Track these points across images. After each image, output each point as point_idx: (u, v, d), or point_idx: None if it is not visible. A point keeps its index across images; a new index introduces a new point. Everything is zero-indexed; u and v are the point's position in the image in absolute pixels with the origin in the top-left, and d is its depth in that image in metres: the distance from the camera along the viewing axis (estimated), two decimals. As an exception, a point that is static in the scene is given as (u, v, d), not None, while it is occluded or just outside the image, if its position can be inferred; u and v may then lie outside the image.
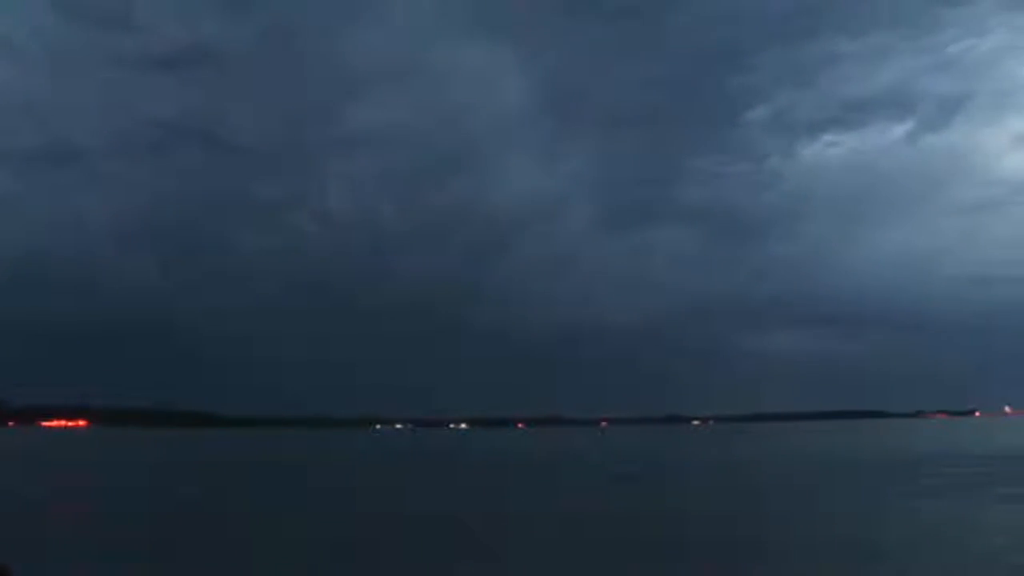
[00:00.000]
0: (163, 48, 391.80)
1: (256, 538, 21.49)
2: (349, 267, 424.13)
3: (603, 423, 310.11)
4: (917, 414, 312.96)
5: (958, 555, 17.59)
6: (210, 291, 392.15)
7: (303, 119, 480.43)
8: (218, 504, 30.97)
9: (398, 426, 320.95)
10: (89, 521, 25.73)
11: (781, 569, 16.62)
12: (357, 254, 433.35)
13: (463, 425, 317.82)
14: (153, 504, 30.66)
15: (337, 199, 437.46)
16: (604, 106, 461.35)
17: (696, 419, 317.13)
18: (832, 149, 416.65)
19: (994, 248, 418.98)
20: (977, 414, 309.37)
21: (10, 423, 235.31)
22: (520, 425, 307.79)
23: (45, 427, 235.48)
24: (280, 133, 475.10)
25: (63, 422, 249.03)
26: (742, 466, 54.42)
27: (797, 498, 30.98)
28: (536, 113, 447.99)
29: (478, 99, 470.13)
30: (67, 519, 26.14)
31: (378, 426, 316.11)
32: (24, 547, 18.95)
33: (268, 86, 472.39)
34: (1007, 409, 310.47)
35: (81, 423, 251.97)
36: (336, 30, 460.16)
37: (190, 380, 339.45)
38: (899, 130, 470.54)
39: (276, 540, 20.96)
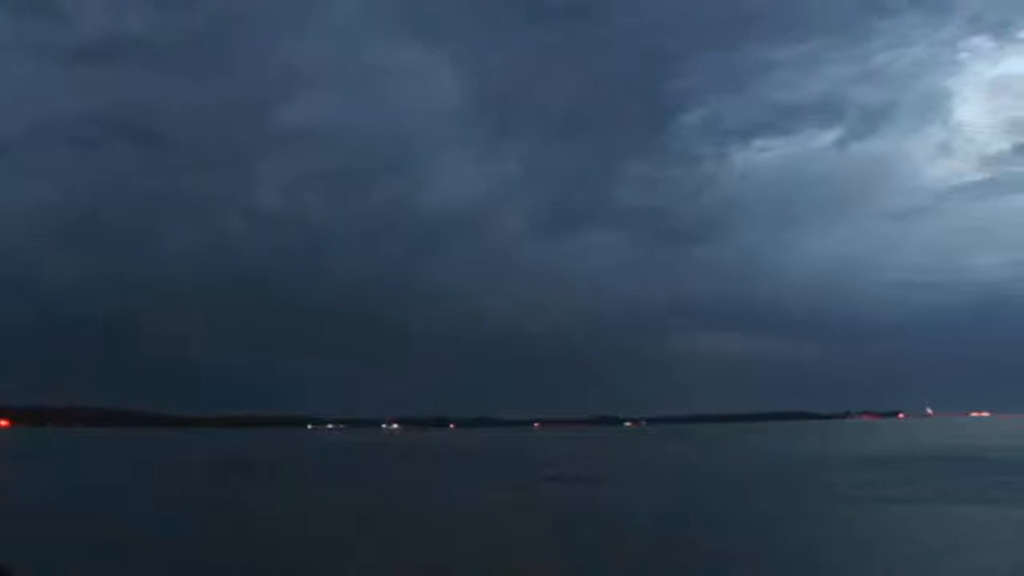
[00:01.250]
0: (91, 38, 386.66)
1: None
2: (281, 266, 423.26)
3: (536, 424, 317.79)
4: (845, 415, 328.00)
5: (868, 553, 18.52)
6: (138, 289, 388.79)
7: (236, 115, 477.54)
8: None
9: (330, 426, 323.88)
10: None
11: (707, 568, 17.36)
12: (289, 253, 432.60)
13: (395, 426, 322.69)
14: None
15: (270, 197, 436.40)
16: (540, 109, 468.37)
17: (629, 420, 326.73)
18: (764, 154, 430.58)
19: (917, 254, 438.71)
20: (901, 415, 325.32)
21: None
22: (453, 426, 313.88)
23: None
24: (212, 129, 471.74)
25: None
26: (673, 466, 58.87)
27: (729, 498, 32.14)
28: (472, 114, 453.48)
29: (414, 99, 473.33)
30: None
31: (310, 426, 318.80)
32: None
33: (200, 80, 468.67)
34: (928, 411, 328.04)
35: (2, 423, 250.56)
36: (273, 26, 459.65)
37: (116, 378, 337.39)
38: (828, 137, 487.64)
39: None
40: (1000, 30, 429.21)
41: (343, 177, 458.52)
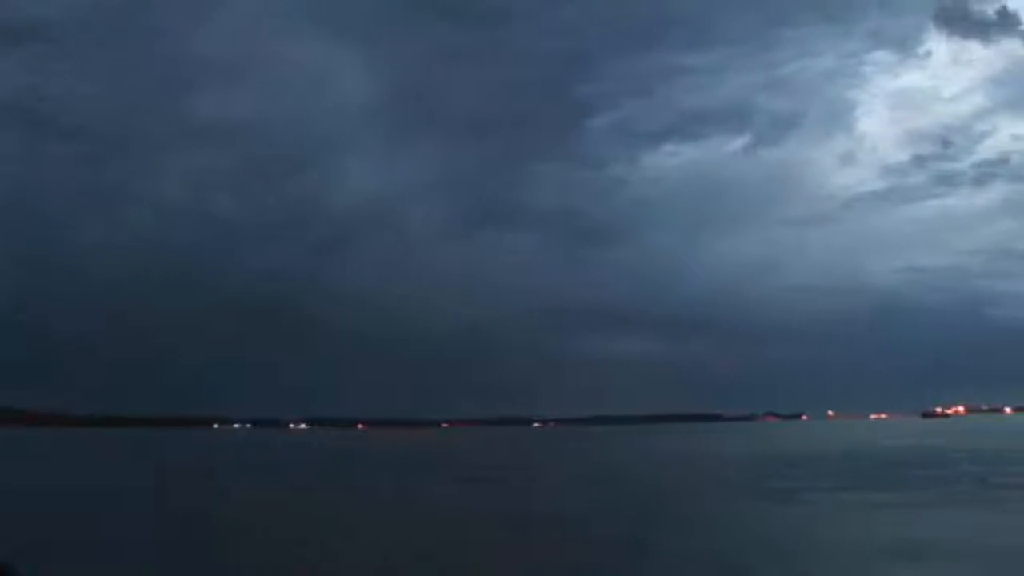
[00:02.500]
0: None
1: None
2: (188, 262, 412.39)
3: (446, 424, 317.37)
4: (750, 417, 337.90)
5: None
6: (35, 283, 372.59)
7: (144, 106, 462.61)
8: None
9: (236, 426, 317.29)
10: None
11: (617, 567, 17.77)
12: (197, 249, 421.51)
13: (303, 425, 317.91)
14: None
15: (176, 191, 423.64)
16: (452, 108, 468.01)
17: (537, 421, 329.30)
18: (673, 159, 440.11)
19: (821, 260, 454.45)
20: (804, 418, 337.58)
21: None
22: (361, 426, 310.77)
23: None
24: (119, 120, 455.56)
25: None
26: (578, 466, 60.03)
27: (633, 496, 33.29)
28: (383, 112, 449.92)
29: (325, 95, 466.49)
30: None
31: (216, 425, 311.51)
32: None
33: (107, 69, 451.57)
34: (830, 413, 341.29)
35: None
36: (182, 17, 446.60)
37: (7, 376, 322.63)
38: (737, 143, 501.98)
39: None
40: (901, 45, 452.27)
41: (252, 171, 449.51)
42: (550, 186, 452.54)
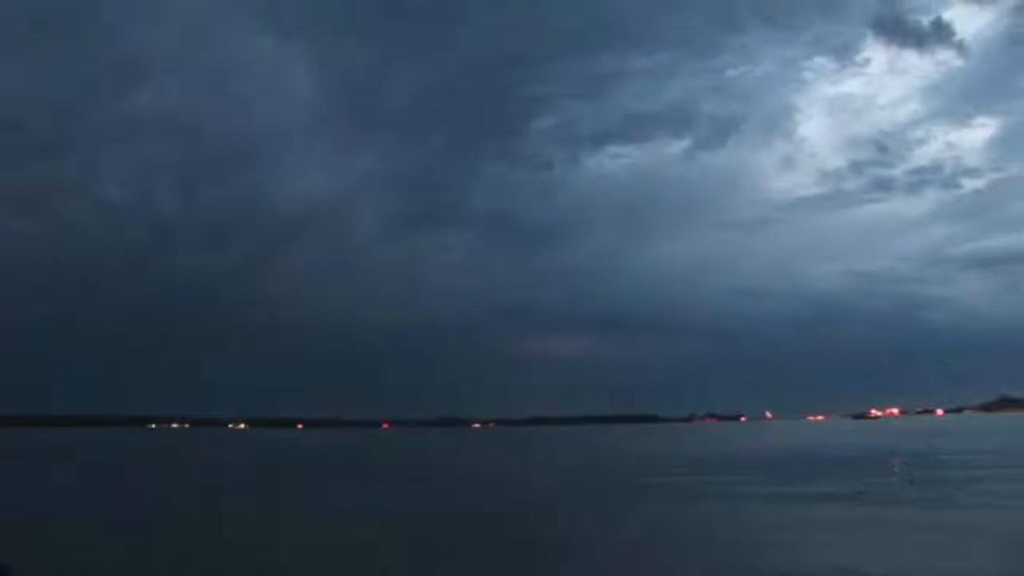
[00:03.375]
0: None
1: None
2: (126, 260, 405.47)
3: (385, 425, 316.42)
4: (689, 418, 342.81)
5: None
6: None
7: (81, 100, 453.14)
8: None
9: (174, 425, 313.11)
10: None
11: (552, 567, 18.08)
12: (134, 247, 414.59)
13: (242, 425, 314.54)
14: None
15: (115, 188, 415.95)
16: (395, 106, 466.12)
17: (477, 422, 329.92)
18: (615, 161, 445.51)
19: (760, 263, 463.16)
20: (743, 419, 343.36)
21: None
22: (300, 426, 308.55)
23: None
24: (54, 113, 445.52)
25: None
26: (513, 466, 60.25)
27: (565, 496, 33.98)
28: (327, 111, 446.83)
29: (267, 92, 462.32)
30: None
31: (152, 425, 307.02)
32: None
33: (43, 61, 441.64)
34: (768, 414, 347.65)
35: None
36: (123, 10, 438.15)
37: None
38: (678, 146, 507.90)
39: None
40: (841, 52, 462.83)
41: (190, 168, 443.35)
42: (491, 186, 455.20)
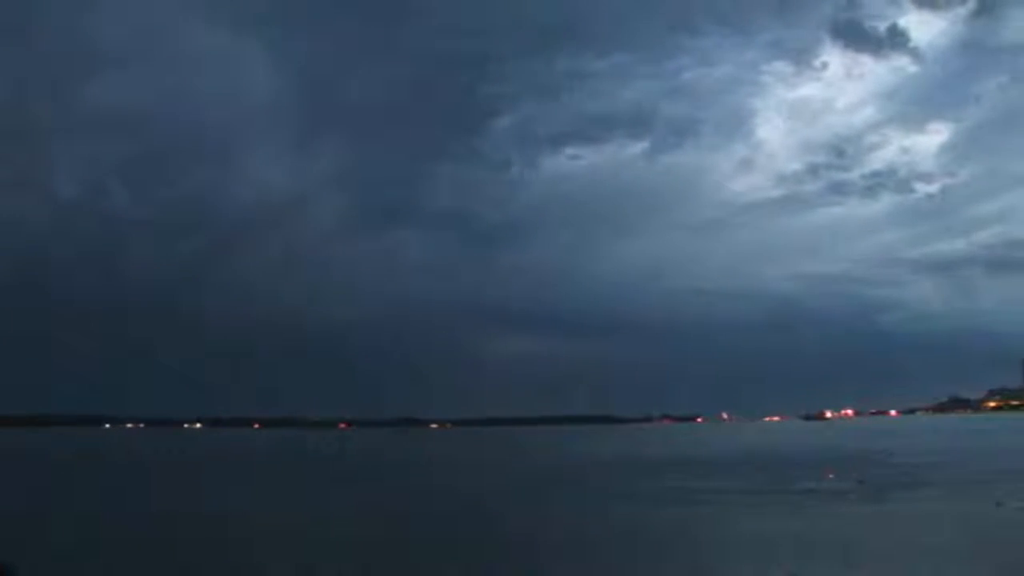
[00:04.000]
0: None
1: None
2: (79, 256, 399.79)
3: (342, 425, 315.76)
4: (646, 419, 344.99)
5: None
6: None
7: (31, 92, 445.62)
8: None
9: (129, 425, 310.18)
10: None
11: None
12: (87, 243, 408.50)
13: (198, 425, 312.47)
14: None
15: (64, 183, 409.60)
16: (354, 104, 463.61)
17: (435, 422, 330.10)
18: (573, 162, 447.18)
19: (717, 265, 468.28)
20: (699, 420, 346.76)
21: None
22: (257, 426, 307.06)
23: None
24: (5, 108, 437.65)
25: None
26: (474, 467, 62.07)
27: (524, 498, 35.24)
28: (284, 107, 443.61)
29: (224, 88, 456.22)
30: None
31: (107, 425, 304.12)
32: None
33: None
34: (724, 415, 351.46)
35: None
36: (73, 3, 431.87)
37: None
38: (637, 148, 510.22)
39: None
40: (799, 56, 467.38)
41: (145, 164, 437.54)
42: (449, 186, 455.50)
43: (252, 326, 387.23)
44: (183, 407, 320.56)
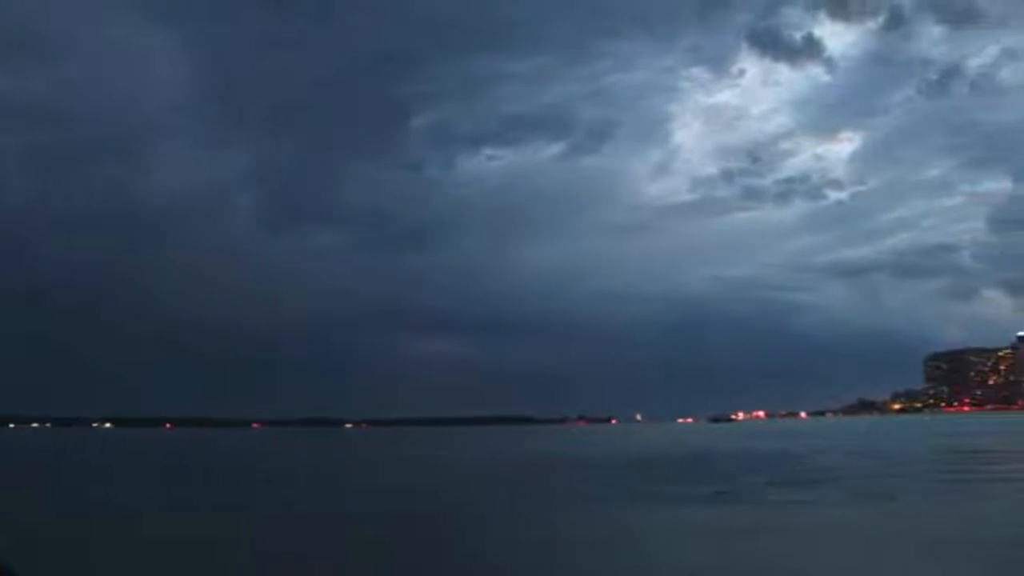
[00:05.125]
0: None
1: None
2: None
3: (255, 425, 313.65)
4: (561, 420, 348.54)
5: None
6: None
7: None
8: None
9: (35, 425, 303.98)
10: None
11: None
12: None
13: (107, 424, 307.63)
14: None
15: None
16: (271, 101, 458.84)
17: (350, 422, 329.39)
18: (491, 163, 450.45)
19: (633, 268, 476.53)
20: (614, 421, 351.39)
21: None
22: (168, 426, 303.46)
23: None
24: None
25: None
26: (388, 468, 60.47)
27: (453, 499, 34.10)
28: (200, 102, 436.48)
29: (140, 81, 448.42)
30: None
31: (11, 425, 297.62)
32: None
33: None
34: (638, 417, 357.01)
35: None
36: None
37: None
38: (554, 150, 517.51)
39: None
40: (716, 63, 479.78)
41: (52, 158, 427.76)
42: (366, 185, 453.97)
43: (165, 325, 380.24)
44: (92, 406, 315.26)
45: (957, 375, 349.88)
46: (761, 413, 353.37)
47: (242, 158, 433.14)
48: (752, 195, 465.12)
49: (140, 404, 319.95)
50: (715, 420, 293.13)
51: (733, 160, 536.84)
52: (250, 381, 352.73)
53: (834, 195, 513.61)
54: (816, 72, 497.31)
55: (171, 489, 40.57)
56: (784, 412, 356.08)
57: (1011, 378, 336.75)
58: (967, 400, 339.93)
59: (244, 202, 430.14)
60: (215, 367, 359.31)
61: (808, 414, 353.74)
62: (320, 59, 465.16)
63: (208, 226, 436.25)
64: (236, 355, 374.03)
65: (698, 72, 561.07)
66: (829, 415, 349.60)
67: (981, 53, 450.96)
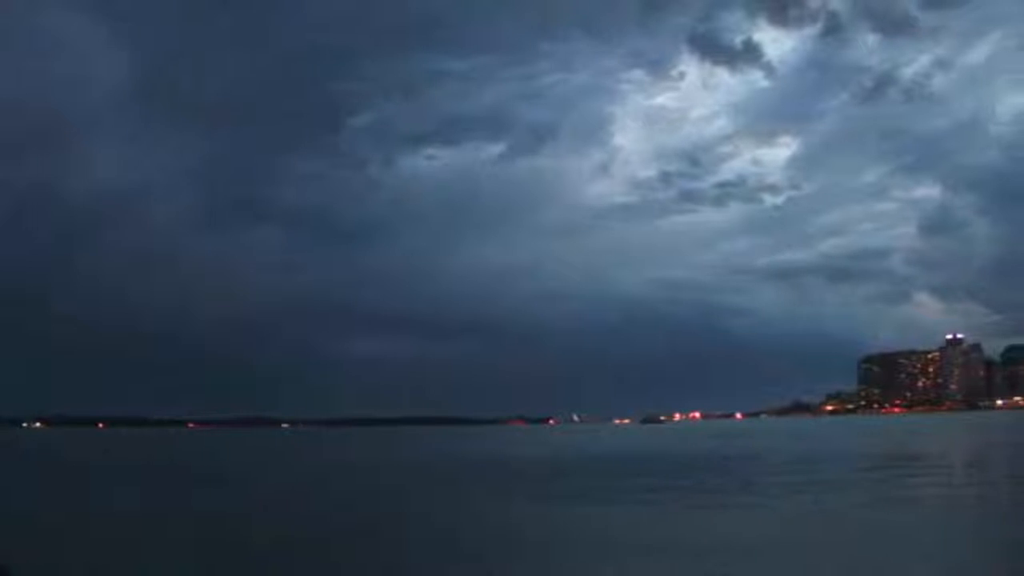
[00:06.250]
0: None
1: None
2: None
3: (191, 424, 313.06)
4: (497, 421, 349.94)
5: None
6: None
7: None
8: None
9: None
10: None
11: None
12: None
13: (37, 424, 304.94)
14: None
15: None
16: (207, 97, 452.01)
17: (286, 422, 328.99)
18: (431, 162, 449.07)
19: (571, 268, 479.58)
20: (551, 422, 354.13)
21: None
22: (101, 425, 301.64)
23: None
24: None
25: None
26: (330, 468, 63.01)
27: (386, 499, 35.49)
28: (132, 97, 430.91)
29: (71, 73, 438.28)
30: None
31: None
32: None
33: None
34: (575, 417, 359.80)
35: None
36: None
37: None
38: (494, 150, 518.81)
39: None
40: (656, 66, 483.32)
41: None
42: (304, 183, 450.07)
43: (96, 323, 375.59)
44: (23, 405, 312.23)
45: (889, 377, 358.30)
46: (697, 414, 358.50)
47: (177, 155, 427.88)
48: (690, 198, 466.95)
49: (73, 404, 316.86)
50: (645, 421, 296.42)
51: (672, 163, 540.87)
52: (186, 381, 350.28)
53: (770, 199, 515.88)
54: (755, 77, 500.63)
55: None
56: (720, 413, 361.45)
57: (939, 380, 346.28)
58: (898, 401, 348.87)
59: (179, 199, 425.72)
60: (151, 367, 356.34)
61: (744, 415, 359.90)
62: (260, 55, 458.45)
63: (142, 224, 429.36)
64: (173, 354, 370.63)
65: (638, 74, 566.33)
66: (764, 416, 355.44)
67: (914, 62, 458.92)
